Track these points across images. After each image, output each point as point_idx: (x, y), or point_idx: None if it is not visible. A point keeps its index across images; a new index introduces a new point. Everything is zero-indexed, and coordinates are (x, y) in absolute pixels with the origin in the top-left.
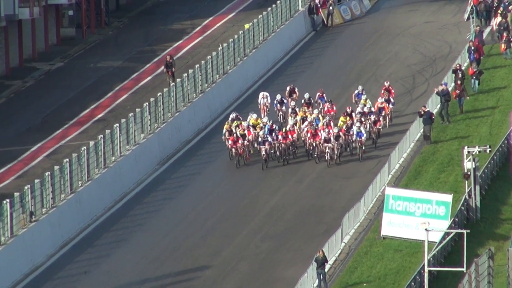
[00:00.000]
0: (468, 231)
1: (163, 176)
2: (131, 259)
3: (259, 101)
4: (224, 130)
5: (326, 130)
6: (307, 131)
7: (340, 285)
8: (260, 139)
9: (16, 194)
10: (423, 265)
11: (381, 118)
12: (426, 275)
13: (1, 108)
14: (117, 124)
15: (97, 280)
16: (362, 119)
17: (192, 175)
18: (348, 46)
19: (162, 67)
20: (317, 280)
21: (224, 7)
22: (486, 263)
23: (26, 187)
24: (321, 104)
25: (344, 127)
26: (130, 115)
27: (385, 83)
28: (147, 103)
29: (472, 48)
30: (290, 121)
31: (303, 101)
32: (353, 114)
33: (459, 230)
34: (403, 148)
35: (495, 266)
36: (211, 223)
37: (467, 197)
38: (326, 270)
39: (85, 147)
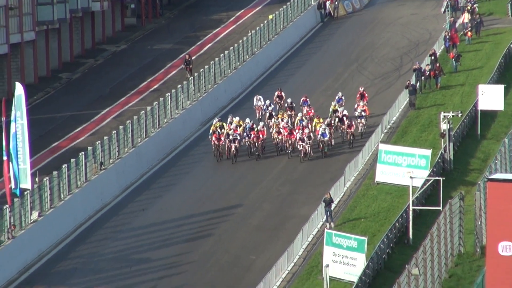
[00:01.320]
0: (444, 178)
1: (205, 134)
2: (179, 199)
3: (254, 103)
4: (211, 130)
5: (300, 131)
6: (284, 129)
7: (343, 220)
8: (231, 136)
9: (89, 148)
10: (408, 205)
11: (361, 120)
12: (410, 212)
13: (78, 81)
14: (169, 94)
15: (152, 216)
16: (332, 122)
17: None
18: (349, 33)
19: (182, 65)
20: (325, 216)
21: (252, 2)
22: (458, 204)
23: (97, 143)
24: (304, 107)
25: (318, 128)
26: (178, 86)
27: (360, 88)
28: (192, 77)
29: (447, 37)
30: (261, 122)
31: (286, 105)
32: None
33: (436, 178)
34: (393, 113)
35: (465, 205)
36: (240, 172)
37: (443, 151)
38: (332, 208)
39: (143, 111)
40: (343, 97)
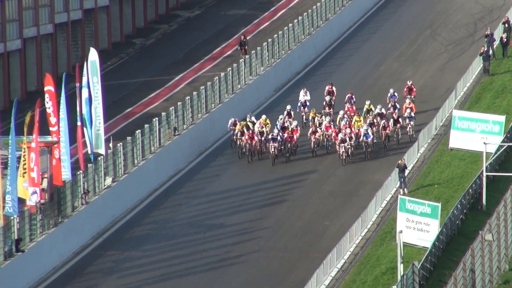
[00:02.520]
0: None
1: (278, 100)
2: (253, 165)
3: (299, 98)
4: (236, 130)
5: (343, 130)
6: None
7: (416, 186)
8: (270, 136)
9: (163, 113)
10: (482, 171)
11: (410, 121)
12: (484, 178)
13: (152, 46)
14: (242, 59)
15: (226, 182)
16: (375, 121)
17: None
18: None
19: (237, 46)
20: (398, 183)
21: None
22: None
23: (171, 108)
24: (347, 105)
25: (359, 128)
26: (252, 52)
27: (408, 82)
28: (266, 43)
29: None
30: (295, 121)
31: (324, 102)
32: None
33: (510, 144)
34: (467, 78)
35: None
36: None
37: None
38: (405, 174)
39: (217, 77)
40: (395, 93)
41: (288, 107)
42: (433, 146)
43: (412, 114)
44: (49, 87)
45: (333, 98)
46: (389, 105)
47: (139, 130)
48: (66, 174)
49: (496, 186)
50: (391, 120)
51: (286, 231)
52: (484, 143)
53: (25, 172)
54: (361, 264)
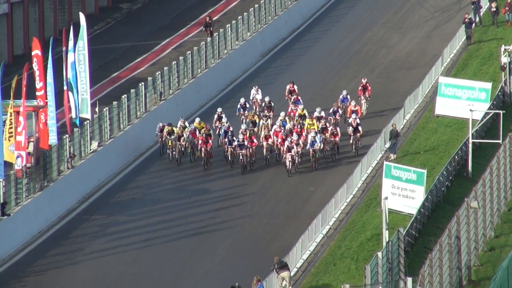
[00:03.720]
0: (504, 111)
1: (265, 65)
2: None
3: (251, 97)
4: (176, 135)
5: (289, 138)
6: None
7: (402, 153)
8: (236, 142)
9: (149, 78)
10: (468, 138)
11: (356, 133)
12: (470, 145)
13: (139, 11)
14: (229, 24)
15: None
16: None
17: (288, 65)
18: None
19: (202, 27)
20: (386, 147)
21: None
22: None
23: (157, 73)
24: (290, 106)
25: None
26: (239, 17)
27: (363, 80)
28: (252, 8)
29: None
30: (243, 125)
31: (263, 104)
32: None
33: (496, 111)
34: (453, 45)
35: None
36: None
37: (503, 85)
38: (396, 141)
39: (203, 42)
40: (348, 96)
41: (219, 109)
42: (419, 112)
43: (358, 120)
44: (36, 51)
45: (295, 96)
46: (341, 111)
47: (125, 95)
48: (52, 138)
49: (482, 153)
50: (350, 128)
51: (271, 196)
52: (470, 110)
53: (11, 136)
54: (346, 230)
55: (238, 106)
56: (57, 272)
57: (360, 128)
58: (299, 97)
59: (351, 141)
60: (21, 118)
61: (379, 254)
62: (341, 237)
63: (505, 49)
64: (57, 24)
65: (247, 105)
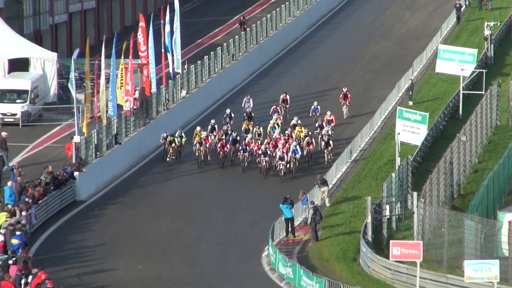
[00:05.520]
0: (486, 70)
1: (310, 35)
2: (293, 81)
3: (242, 105)
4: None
5: (280, 149)
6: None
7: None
8: (260, 151)
9: (225, 44)
10: (459, 90)
11: (329, 143)
12: (461, 95)
13: None
14: (283, 5)
15: (273, 93)
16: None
17: (326, 35)
18: None
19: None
20: (400, 95)
21: None
22: (496, 89)
23: (230, 40)
24: (274, 115)
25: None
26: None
27: (343, 88)
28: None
29: None
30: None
31: (245, 114)
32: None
33: (481, 70)
34: (449, 21)
35: (501, 91)
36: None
37: (486, 51)
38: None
39: (265, 18)
40: (318, 107)
41: (228, 110)
42: (423, 70)
43: (330, 132)
44: (141, 23)
45: (287, 107)
46: (313, 120)
47: (207, 56)
48: (152, 87)
49: (470, 101)
50: (323, 143)
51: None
52: (461, 69)
53: (122, 86)
54: (368, 157)
55: (225, 115)
56: (155, 187)
57: (331, 142)
58: (278, 108)
59: (324, 154)
60: (128, 73)
61: (393, 175)
62: (365, 162)
63: (487, 25)
64: (157, 3)
65: (232, 115)
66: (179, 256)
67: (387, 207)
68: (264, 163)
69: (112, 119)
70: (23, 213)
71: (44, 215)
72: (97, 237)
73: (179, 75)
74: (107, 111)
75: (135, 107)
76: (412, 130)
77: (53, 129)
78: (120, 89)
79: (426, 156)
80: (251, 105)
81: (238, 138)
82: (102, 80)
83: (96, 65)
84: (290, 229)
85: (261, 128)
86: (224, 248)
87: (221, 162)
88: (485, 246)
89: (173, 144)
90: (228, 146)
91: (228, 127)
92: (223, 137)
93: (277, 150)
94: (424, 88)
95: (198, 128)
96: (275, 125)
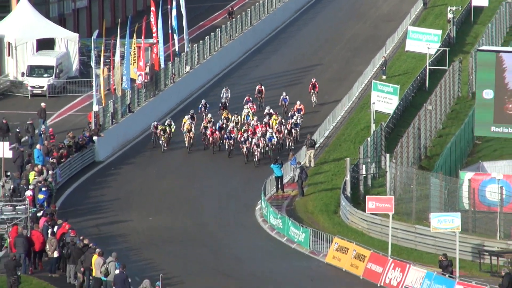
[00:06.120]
0: (449, 49)
1: (297, 17)
2: (282, 59)
3: (221, 96)
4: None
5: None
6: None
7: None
8: (243, 138)
9: (223, 26)
10: (426, 66)
11: (295, 127)
12: (427, 70)
13: None
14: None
15: (262, 70)
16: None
17: (312, 18)
18: None
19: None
20: (374, 70)
21: None
22: (458, 65)
23: (228, 22)
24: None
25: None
26: None
27: (312, 79)
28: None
29: None
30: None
31: (220, 104)
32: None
33: (444, 48)
34: (417, 7)
35: (462, 66)
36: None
37: (449, 31)
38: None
39: (257, 3)
40: (287, 97)
41: (203, 100)
42: (395, 49)
43: (299, 120)
44: (152, 8)
45: (262, 97)
46: (282, 109)
47: (207, 36)
48: (161, 63)
49: (435, 75)
50: (285, 130)
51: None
52: (428, 48)
53: (134, 62)
54: (347, 123)
55: (200, 105)
56: (162, 151)
57: (293, 131)
58: (250, 98)
59: (287, 141)
60: (140, 51)
61: (369, 139)
62: (344, 128)
63: (450, 9)
64: None
65: (207, 105)
66: (183, 209)
67: (364, 167)
68: (245, 150)
69: (126, 91)
70: (50, 172)
71: (67, 174)
72: (113, 193)
73: (183, 53)
74: (121, 84)
75: (146, 80)
76: (385, 101)
77: (75, 100)
78: (133, 65)
79: (397, 123)
80: (229, 96)
81: (224, 125)
82: (117, 57)
83: (112, 44)
84: (279, 186)
85: (239, 117)
86: (222, 202)
87: (211, 146)
88: (448, 201)
89: (165, 134)
90: (216, 133)
91: (211, 116)
92: (208, 124)
93: (255, 136)
94: (395, 64)
95: (186, 117)
96: (249, 113)
